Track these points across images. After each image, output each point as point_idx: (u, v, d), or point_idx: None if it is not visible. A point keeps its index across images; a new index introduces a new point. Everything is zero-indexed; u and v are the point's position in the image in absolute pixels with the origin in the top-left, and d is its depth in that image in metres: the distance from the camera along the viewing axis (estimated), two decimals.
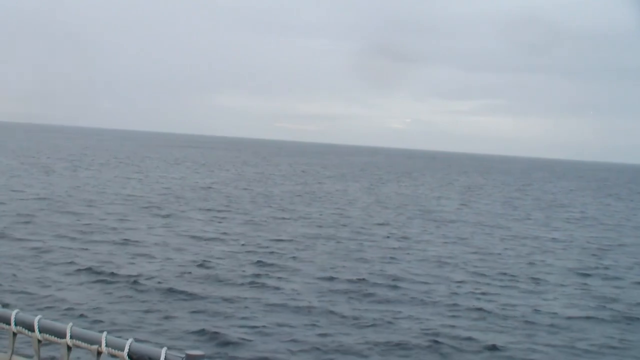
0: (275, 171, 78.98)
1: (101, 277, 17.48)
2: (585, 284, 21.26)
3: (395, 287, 18.62)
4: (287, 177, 68.38)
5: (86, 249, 21.03)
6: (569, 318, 16.68)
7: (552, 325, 15.82)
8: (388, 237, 28.60)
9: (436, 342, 13.93)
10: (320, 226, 30.49)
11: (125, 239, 23.24)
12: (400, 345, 13.59)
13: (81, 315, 13.83)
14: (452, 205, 47.39)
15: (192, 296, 16.17)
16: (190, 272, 18.80)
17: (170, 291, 16.52)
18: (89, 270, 18.06)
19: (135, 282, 17.10)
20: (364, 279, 19.37)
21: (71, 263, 18.74)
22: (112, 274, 17.83)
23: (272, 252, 22.75)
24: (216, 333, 13.43)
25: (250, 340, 13.19)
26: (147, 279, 17.54)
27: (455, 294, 18.46)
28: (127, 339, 2.74)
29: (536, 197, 64.47)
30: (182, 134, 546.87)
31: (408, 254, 24.53)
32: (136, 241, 23.09)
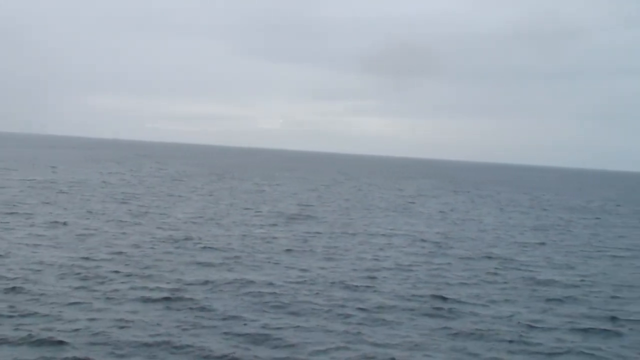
0: (130, 173, 75.61)
1: None
2: (418, 278, 22.10)
3: (229, 291, 18.49)
4: (142, 179, 65.82)
5: None
6: (394, 313, 17.27)
7: (373, 325, 16.15)
8: (240, 237, 28.28)
9: (257, 342, 13.89)
10: (167, 229, 29.52)
11: None
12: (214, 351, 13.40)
13: None
14: (308, 203, 47.82)
15: (14, 311, 15.18)
16: (8, 283, 17.69)
17: None
18: None
19: None
20: (206, 281, 19.25)
21: None
22: None
23: (103, 259, 21.77)
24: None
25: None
26: None
27: (286, 293, 18.52)
28: None
29: (392, 195, 66.69)
30: (49, 135, 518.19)
31: (251, 254, 24.38)
32: None
